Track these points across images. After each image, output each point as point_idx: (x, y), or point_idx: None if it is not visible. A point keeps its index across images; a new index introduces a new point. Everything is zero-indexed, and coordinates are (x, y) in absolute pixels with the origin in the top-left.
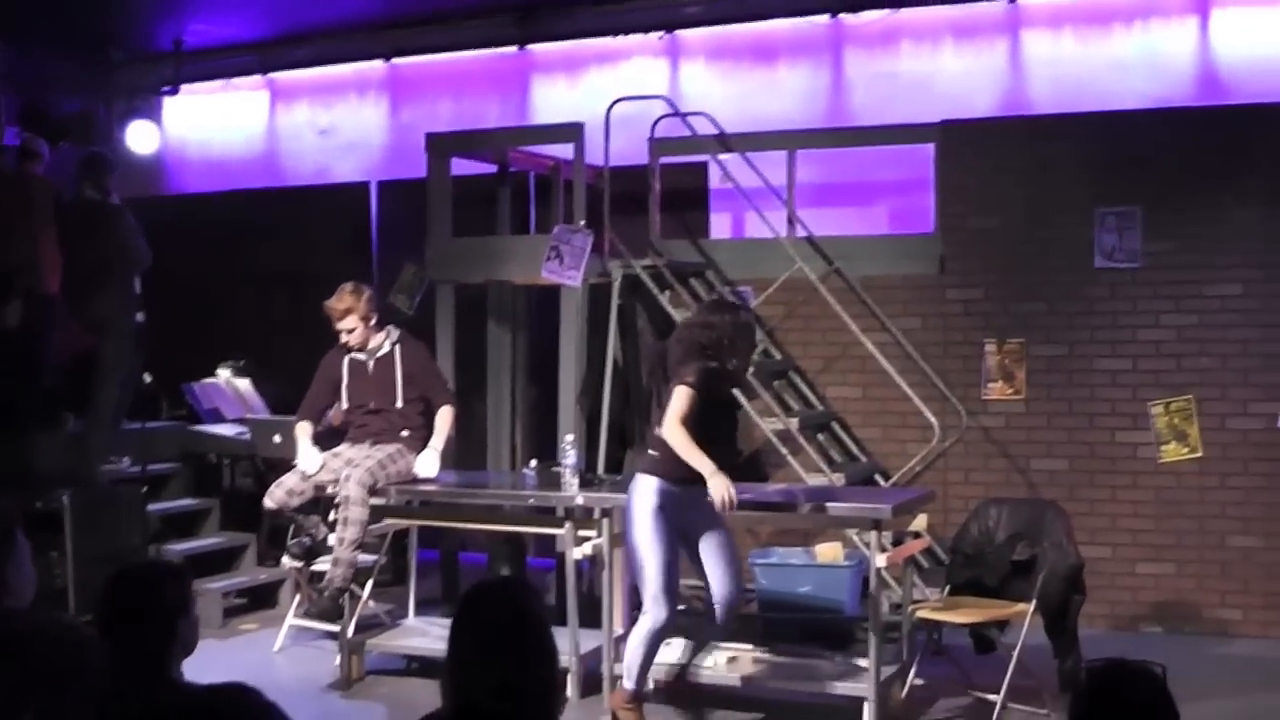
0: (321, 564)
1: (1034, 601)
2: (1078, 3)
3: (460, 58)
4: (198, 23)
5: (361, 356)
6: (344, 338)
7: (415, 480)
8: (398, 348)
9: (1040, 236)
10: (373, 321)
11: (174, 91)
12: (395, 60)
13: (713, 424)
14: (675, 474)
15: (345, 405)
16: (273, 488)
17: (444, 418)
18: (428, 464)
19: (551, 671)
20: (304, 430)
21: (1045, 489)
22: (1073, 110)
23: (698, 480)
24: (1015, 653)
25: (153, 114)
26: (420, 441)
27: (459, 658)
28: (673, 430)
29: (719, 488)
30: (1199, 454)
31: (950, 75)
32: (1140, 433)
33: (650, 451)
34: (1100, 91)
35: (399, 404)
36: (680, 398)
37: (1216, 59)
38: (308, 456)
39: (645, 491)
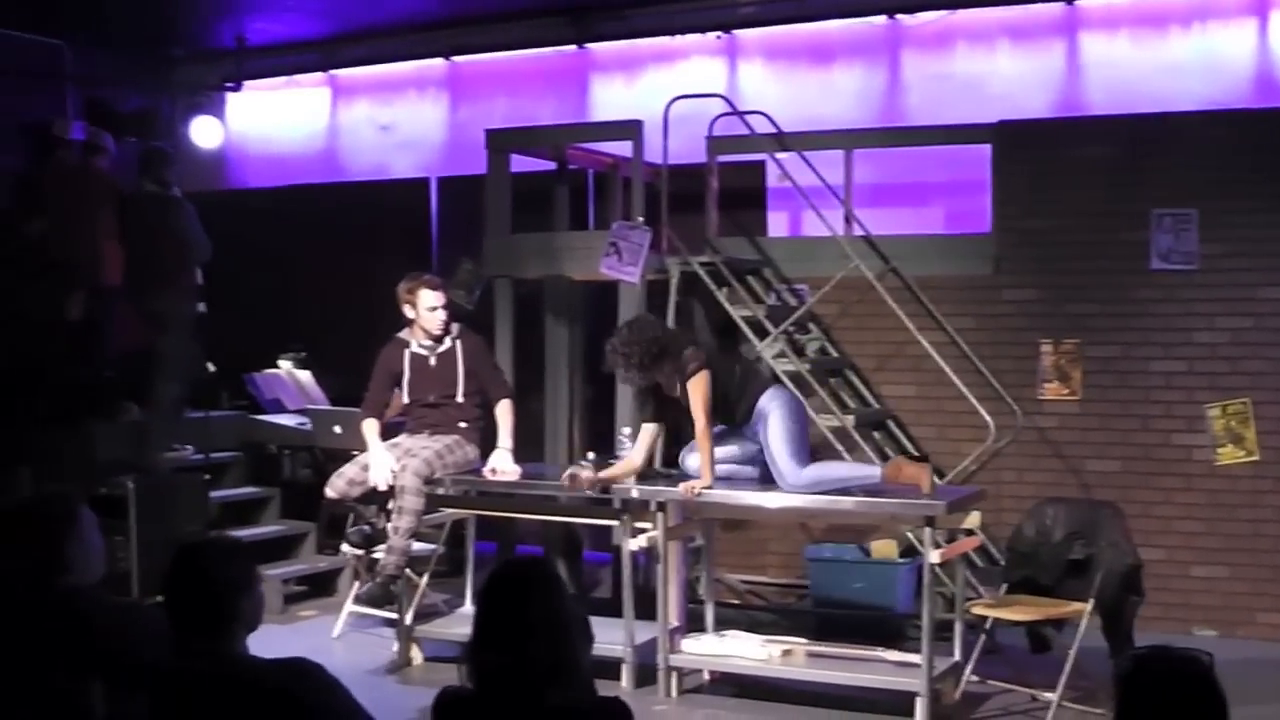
0: (379, 551)
1: (1090, 600)
2: (1134, 4)
3: (519, 56)
4: (260, 20)
5: (423, 351)
6: (432, 325)
7: (472, 470)
8: (459, 343)
9: (1095, 238)
10: None
11: (237, 87)
12: (455, 58)
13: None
14: None
15: (406, 399)
16: (333, 477)
17: (506, 413)
18: (505, 463)
19: (568, 650)
20: (372, 429)
21: (1098, 490)
22: (1129, 112)
23: None
24: (1071, 652)
25: (216, 109)
26: (477, 433)
27: (476, 638)
28: None
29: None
30: (1256, 457)
31: (1006, 76)
32: (1195, 435)
33: None
34: (1156, 93)
35: (459, 398)
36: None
37: (1274, 61)
38: (380, 465)
39: None
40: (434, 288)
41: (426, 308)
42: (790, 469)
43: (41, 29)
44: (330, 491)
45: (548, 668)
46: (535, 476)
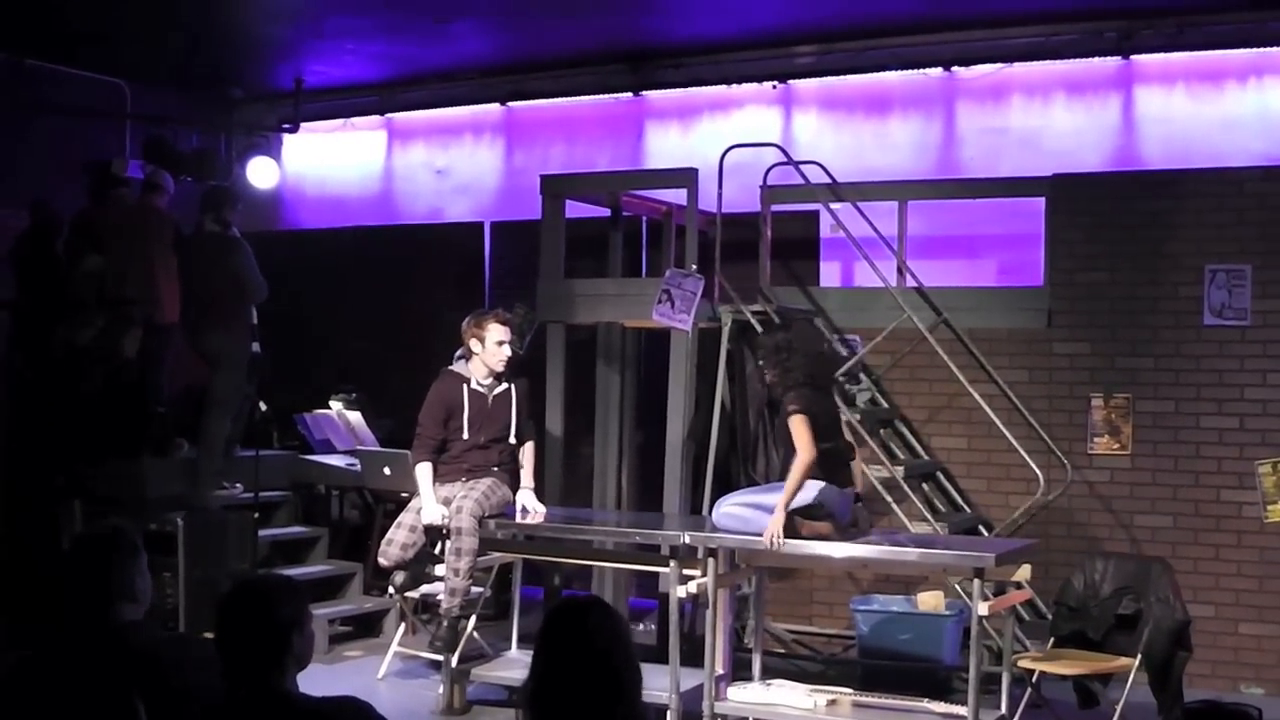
0: (426, 588)
1: (1138, 656)
2: (1190, 60)
3: (575, 103)
4: (319, 63)
5: (481, 389)
6: (498, 360)
7: (519, 512)
8: (513, 385)
9: (1149, 292)
10: None
11: (294, 129)
12: (511, 104)
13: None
14: None
15: (465, 436)
16: (384, 546)
17: (531, 454)
18: (533, 502)
19: (626, 689)
20: (426, 474)
21: (1149, 545)
22: (1183, 166)
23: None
24: (1119, 707)
25: (272, 151)
26: (509, 474)
27: (535, 674)
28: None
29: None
30: None
31: (1061, 130)
32: (1246, 491)
33: None
34: (1212, 148)
35: (512, 440)
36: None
37: None
38: (432, 509)
39: None
40: (503, 322)
41: (495, 342)
42: (731, 499)
43: (102, 68)
44: (384, 561)
45: (605, 705)
46: (584, 522)
